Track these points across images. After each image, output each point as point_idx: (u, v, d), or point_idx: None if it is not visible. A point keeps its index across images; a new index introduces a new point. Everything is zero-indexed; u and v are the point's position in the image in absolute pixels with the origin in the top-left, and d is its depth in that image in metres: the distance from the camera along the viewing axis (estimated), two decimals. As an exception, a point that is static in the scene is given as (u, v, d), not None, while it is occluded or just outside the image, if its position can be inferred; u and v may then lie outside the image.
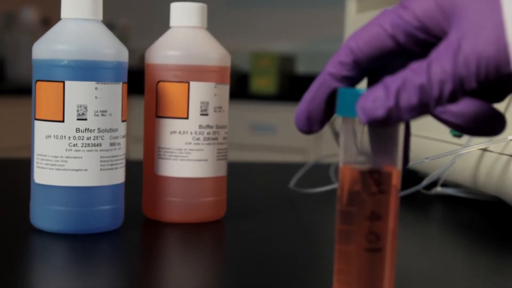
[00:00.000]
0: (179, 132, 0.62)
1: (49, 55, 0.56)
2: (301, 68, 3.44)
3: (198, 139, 0.62)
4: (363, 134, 0.38)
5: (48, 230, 0.58)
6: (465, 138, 0.70)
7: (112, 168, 0.58)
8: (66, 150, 0.56)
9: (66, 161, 0.56)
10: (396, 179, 0.39)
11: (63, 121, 0.56)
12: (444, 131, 0.74)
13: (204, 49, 0.62)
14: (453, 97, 0.36)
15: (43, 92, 0.57)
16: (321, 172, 0.99)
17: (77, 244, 0.54)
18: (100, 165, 0.57)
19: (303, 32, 3.44)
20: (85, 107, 0.56)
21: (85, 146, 0.56)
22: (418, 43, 0.39)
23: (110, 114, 0.57)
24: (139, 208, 0.69)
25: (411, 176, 0.89)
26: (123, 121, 0.59)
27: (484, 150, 0.66)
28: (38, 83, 0.57)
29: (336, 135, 1.00)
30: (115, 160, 0.58)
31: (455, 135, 0.72)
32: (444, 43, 0.36)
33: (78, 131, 0.56)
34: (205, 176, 0.63)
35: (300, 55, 3.44)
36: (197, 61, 0.62)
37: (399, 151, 0.39)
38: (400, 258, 0.53)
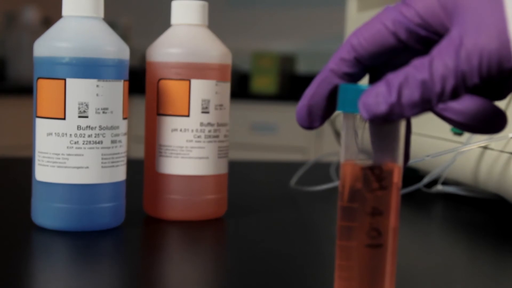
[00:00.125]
0: (180, 130, 0.62)
1: (51, 52, 0.56)
2: (302, 67, 3.44)
3: (199, 136, 0.62)
4: (364, 130, 0.38)
5: (49, 227, 0.58)
6: (466, 136, 0.70)
7: (113, 166, 0.58)
8: (67, 147, 0.56)
9: (68, 159, 0.56)
10: (397, 175, 0.39)
11: (64, 118, 0.56)
12: (444, 129, 0.74)
13: (205, 46, 0.62)
14: (455, 93, 0.36)
15: (44, 89, 0.57)
16: (321, 170, 0.99)
17: (78, 242, 0.54)
18: (101, 162, 0.57)
19: (304, 32, 3.44)
20: (86, 105, 0.56)
21: (86, 144, 0.57)
22: (420, 40, 0.39)
23: (111, 112, 0.57)
24: (140, 206, 0.69)
25: (412, 174, 0.89)
26: (124, 118, 0.59)
27: (485, 148, 0.66)
28: (40, 80, 0.57)
29: (337, 133, 1.00)
30: (116, 158, 0.58)
31: (455, 133, 0.72)
32: (446, 40, 0.36)
33: (79, 128, 0.56)
34: (206, 174, 0.63)
35: (301, 54, 3.44)
36: (198, 59, 0.62)
37: (400, 147, 0.39)
38: (401, 256, 0.53)
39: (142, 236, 0.57)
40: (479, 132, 0.39)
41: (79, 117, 0.56)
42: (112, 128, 0.58)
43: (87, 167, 0.57)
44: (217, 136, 0.63)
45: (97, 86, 0.57)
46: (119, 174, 0.59)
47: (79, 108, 0.56)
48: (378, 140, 0.38)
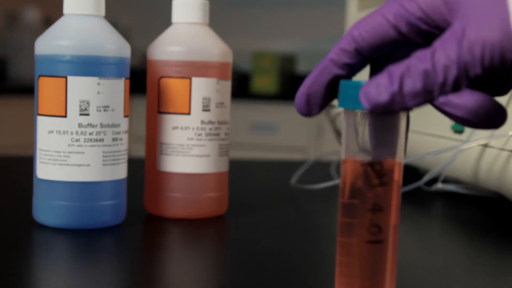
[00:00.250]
0: (181, 128, 0.62)
1: (52, 50, 0.56)
2: (302, 67, 3.44)
3: (200, 134, 0.62)
4: (365, 129, 0.39)
5: (50, 225, 0.58)
6: (466, 134, 0.70)
7: (114, 163, 0.58)
8: (68, 145, 0.57)
9: (69, 156, 0.57)
10: (397, 172, 0.39)
11: (65, 116, 0.56)
12: (445, 127, 0.74)
13: (206, 45, 0.63)
14: (457, 84, 0.36)
15: (45, 87, 0.57)
16: (322, 169, 0.99)
17: (79, 239, 0.54)
18: (103, 160, 0.57)
19: (304, 32, 3.44)
20: (87, 103, 0.57)
21: (87, 141, 0.57)
22: (421, 34, 0.39)
23: (113, 110, 0.58)
24: (141, 204, 0.69)
25: (412, 173, 0.89)
26: (125, 116, 0.59)
27: (485, 146, 0.66)
28: (41, 78, 0.57)
29: (337, 133, 1.01)
30: (118, 155, 0.58)
31: (456, 131, 0.72)
32: (448, 32, 0.37)
33: (80, 126, 0.56)
34: (207, 172, 0.63)
35: (301, 54, 3.44)
36: (199, 57, 0.62)
37: (400, 144, 0.39)
38: (401, 254, 0.54)
39: (143, 234, 0.57)
40: (479, 127, 0.39)
41: (80, 115, 0.56)
42: (113, 126, 0.58)
43: (88, 165, 0.57)
44: (218, 134, 0.63)
45: (98, 84, 0.57)
46: (120, 172, 0.59)
47: (80, 106, 0.56)
48: (378, 136, 0.38)
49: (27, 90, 2.66)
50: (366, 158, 0.38)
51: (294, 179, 0.86)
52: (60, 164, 0.57)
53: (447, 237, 0.60)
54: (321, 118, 2.91)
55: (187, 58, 0.62)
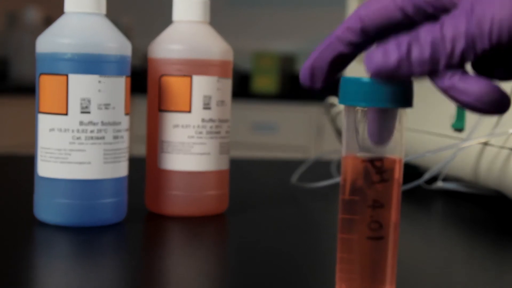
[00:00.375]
0: (182, 126, 0.62)
1: (53, 48, 0.57)
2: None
3: (200, 132, 0.63)
4: (365, 124, 0.39)
5: (51, 222, 0.58)
6: (466, 132, 0.70)
7: (115, 161, 0.58)
8: (69, 143, 0.57)
9: (70, 154, 0.57)
10: (398, 168, 0.39)
11: (66, 114, 0.57)
12: (445, 126, 0.74)
13: (206, 43, 0.63)
14: (464, 57, 0.37)
15: (47, 85, 0.57)
16: (322, 168, 0.99)
17: (80, 237, 0.54)
18: (104, 158, 0.57)
19: (304, 32, 3.44)
20: (88, 100, 0.57)
21: (88, 139, 0.57)
22: (427, 17, 0.39)
23: (113, 108, 0.58)
24: (142, 202, 0.69)
25: (412, 171, 0.89)
26: (126, 114, 0.59)
27: (485, 144, 0.66)
28: (42, 76, 0.57)
29: (338, 132, 1.01)
30: (119, 153, 0.58)
31: (456, 129, 0.72)
32: (457, 8, 0.37)
33: (81, 124, 0.57)
34: (207, 170, 0.63)
35: (301, 54, 3.44)
36: (200, 55, 0.62)
37: (400, 140, 0.39)
38: (401, 252, 0.54)
39: (143, 231, 0.58)
40: (483, 112, 0.39)
41: (82, 112, 0.57)
42: (114, 123, 0.58)
43: (89, 163, 0.57)
44: (218, 132, 0.63)
45: (99, 82, 0.57)
46: (121, 169, 0.59)
47: (81, 104, 0.57)
48: (378, 132, 0.39)
49: (28, 90, 2.66)
50: (367, 154, 0.39)
51: (294, 178, 0.86)
52: (61, 162, 0.57)
53: (447, 235, 0.60)
54: (321, 117, 2.92)
55: (188, 56, 0.62)
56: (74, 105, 0.56)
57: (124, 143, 0.59)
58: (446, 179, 0.81)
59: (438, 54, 0.37)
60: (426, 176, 0.72)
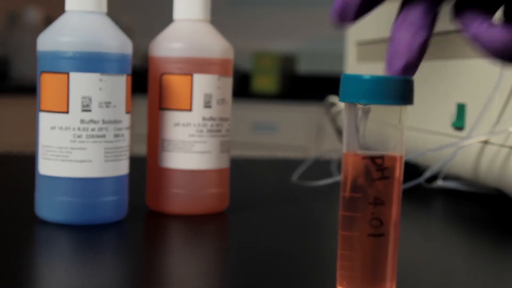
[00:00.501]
0: (183, 124, 0.62)
1: (54, 46, 0.57)
2: (302, 67, 3.44)
3: (201, 131, 0.63)
4: (366, 121, 0.39)
5: (52, 221, 0.58)
6: (466, 131, 0.70)
7: (116, 160, 0.58)
8: (70, 141, 0.57)
9: (71, 152, 0.57)
10: (399, 165, 0.39)
11: (67, 112, 0.57)
12: (445, 124, 0.74)
13: (207, 41, 0.63)
14: None
15: (48, 83, 0.57)
16: (322, 167, 0.99)
17: (81, 235, 0.54)
18: (104, 156, 0.58)
19: (304, 32, 3.44)
20: (89, 99, 0.57)
21: (89, 137, 0.57)
22: None
23: (114, 106, 0.58)
24: (143, 200, 0.69)
25: (412, 170, 0.90)
26: (127, 112, 0.59)
27: (485, 142, 0.67)
28: (43, 74, 0.57)
29: (338, 131, 1.01)
30: (119, 152, 0.59)
31: (456, 128, 0.72)
32: None
33: (82, 122, 0.57)
34: (208, 168, 0.63)
35: (301, 54, 3.44)
36: (201, 54, 0.62)
37: (401, 138, 0.39)
38: (402, 250, 0.54)
39: (144, 230, 0.58)
40: (506, 60, 0.39)
41: (83, 111, 0.57)
42: (115, 122, 0.58)
43: (90, 161, 0.57)
44: (219, 131, 0.63)
45: (100, 80, 0.57)
46: (122, 168, 0.59)
47: (82, 102, 0.57)
48: (379, 130, 0.39)
49: (28, 89, 2.66)
50: (367, 152, 0.39)
51: (295, 177, 0.86)
52: (62, 160, 0.57)
53: (448, 233, 0.60)
54: (321, 117, 2.92)
55: (189, 54, 0.62)
56: (75, 103, 0.57)
57: (125, 141, 0.59)
58: (446, 177, 0.81)
59: None
60: (426, 174, 0.73)
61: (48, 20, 3.16)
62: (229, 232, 0.58)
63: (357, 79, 0.38)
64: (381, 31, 0.90)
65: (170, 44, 0.63)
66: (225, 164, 0.65)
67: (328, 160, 1.08)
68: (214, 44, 0.63)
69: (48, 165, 0.57)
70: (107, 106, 0.57)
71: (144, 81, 3.37)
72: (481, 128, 0.68)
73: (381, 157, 0.39)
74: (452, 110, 0.73)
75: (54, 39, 0.57)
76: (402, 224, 0.63)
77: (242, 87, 3.46)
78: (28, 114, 2.68)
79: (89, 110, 0.57)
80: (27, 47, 2.94)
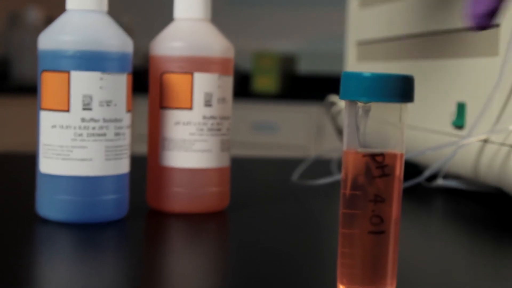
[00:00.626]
0: (183, 123, 0.63)
1: (55, 45, 0.57)
2: (302, 67, 3.44)
3: (202, 130, 0.63)
4: (366, 119, 0.39)
5: (53, 219, 0.58)
6: (466, 129, 0.70)
7: (117, 158, 0.58)
8: (71, 140, 0.57)
9: (72, 151, 0.57)
10: (399, 163, 0.39)
11: (68, 111, 0.57)
12: (445, 123, 0.75)
13: (208, 40, 0.63)
14: None
15: (48, 82, 0.57)
16: (322, 166, 0.99)
17: (81, 234, 0.55)
18: (105, 155, 0.58)
19: (305, 32, 3.44)
20: (90, 97, 0.57)
21: (90, 136, 0.57)
22: None
23: (115, 105, 0.58)
24: (143, 199, 0.69)
25: (412, 169, 0.90)
26: (127, 111, 0.59)
27: (485, 141, 0.67)
28: (44, 73, 0.57)
29: (338, 130, 1.01)
30: (120, 150, 0.59)
31: (456, 127, 0.72)
32: None
33: (83, 121, 0.57)
34: (209, 167, 0.63)
35: (302, 54, 3.44)
36: (201, 53, 0.62)
37: (402, 135, 0.39)
38: (402, 249, 0.54)
39: (145, 228, 0.58)
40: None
41: (83, 109, 0.57)
42: (115, 120, 0.58)
43: (91, 159, 0.57)
44: (219, 129, 0.64)
45: (101, 79, 0.57)
46: (123, 166, 0.59)
47: (83, 101, 0.57)
48: (379, 127, 0.39)
49: (29, 89, 2.66)
50: (368, 149, 0.39)
51: (295, 176, 0.86)
52: (63, 159, 0.57)
53: (448, 232, 0.60)
54: (321, 117, 2.92)
55: (189, 53, 0.62)
56: (76, 102, 0.57)
57: (125, 140, 0.59)
58: (446, 176, 0.82)
59: None
60: (426, 173, 0.73)
61: (49, 20, 3.16)
62: (229, 231, 0.58)
63: (357, 76, 0.38)
64: (381, 31, 0.91)
65: (170, 43, 0.63)
66: (225, 163, 0.65)
67: (328, 160, 1.08)
68: (215, 43, 0.63)
69: (49, 164, 0.58)
70: (107, 105, 0.57)
71: (145, 81, 3.37)
72: (481, 127, 0.68)
73: (382, 155, 0.39)
74: (452, 109, 0.74)
75: (55, 38, 0.57)
76: (402, 223, 0.63)
77: (242, 87, 3.46)
78: (29, 113, 2.68)
79: (90, 109, 0.57)
80: (27, 47, 2.94)
